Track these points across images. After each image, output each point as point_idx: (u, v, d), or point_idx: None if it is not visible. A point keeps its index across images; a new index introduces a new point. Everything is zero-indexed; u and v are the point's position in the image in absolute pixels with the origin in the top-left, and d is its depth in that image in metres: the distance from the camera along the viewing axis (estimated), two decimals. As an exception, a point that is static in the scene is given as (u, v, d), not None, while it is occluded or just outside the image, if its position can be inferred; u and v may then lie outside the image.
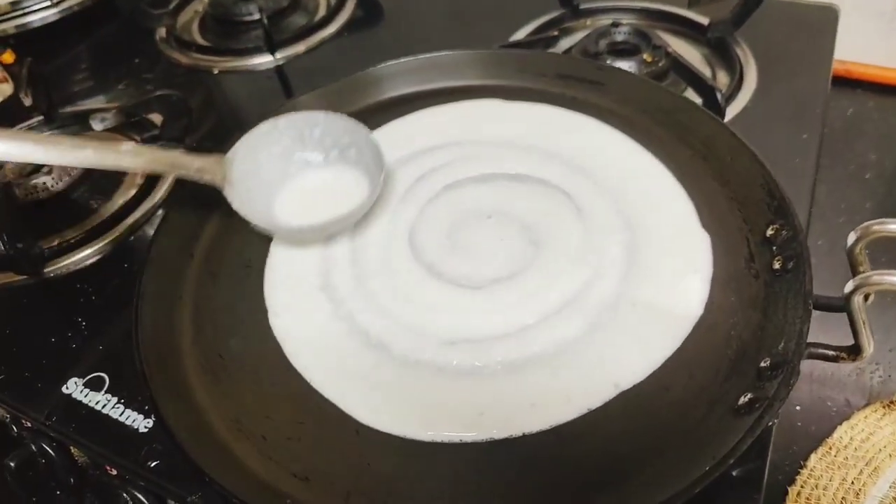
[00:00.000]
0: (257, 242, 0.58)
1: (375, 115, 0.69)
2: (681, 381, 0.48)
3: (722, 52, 0.87)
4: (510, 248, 0.56)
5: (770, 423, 0.43)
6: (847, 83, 1.10)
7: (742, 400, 0.45)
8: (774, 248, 0.54)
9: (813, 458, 0.73)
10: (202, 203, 0.61)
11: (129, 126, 0.79)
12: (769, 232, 0.55)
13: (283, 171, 0.60)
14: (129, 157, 0.53)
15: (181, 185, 0.62)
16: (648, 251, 0.55)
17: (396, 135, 0.66)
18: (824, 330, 0.49)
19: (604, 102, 0.68)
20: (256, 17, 0.94)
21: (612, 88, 0.69)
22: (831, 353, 0.47)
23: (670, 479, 0.41)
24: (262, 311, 0.53)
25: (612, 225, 0.57)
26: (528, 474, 0.44)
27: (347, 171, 0.60)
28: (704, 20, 0.90)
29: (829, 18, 0.89)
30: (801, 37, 0.87)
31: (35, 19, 0.95)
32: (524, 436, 0.45)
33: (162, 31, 0.98)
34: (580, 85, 0.70)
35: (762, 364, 0.47)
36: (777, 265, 0.53)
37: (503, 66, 0.71)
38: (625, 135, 0.65)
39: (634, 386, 0.47)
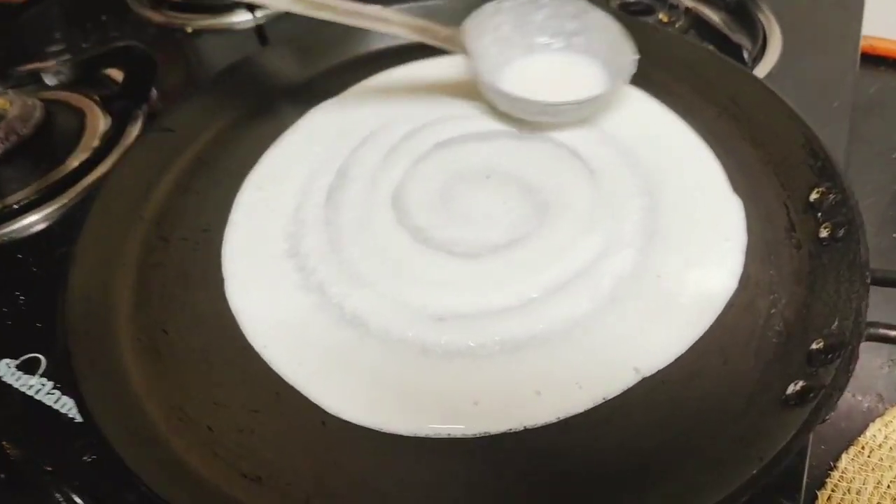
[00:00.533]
0: (218, 205, 0.50)
1: (357, 69, 0.61)
2: (713, 367, 0.40)
3: (742, 18, 0.79)
4: (511, 212, 0.48)
5: (826, 417, 0.35)
6: (870, 60, 1.02)
7: (791, 389, 0.37)
8: (820, 214, 0.46)
9: (844, 458, 0.66)
10: (157, 161, 0.53)
11: (88, 83, 0.70)
12: (813, 196, 0.47)
13: (507, 55, 0.56)
14: (378, 21, 0.51)
15: (140, 141, 0.55)
16: (672, 218, 0.47)
17: (378, 90, 0.58)
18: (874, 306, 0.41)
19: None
20: (237, -27, 0.85)
21: (637, 43, 0.61)
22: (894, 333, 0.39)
23: (708, 485, 0.33)
24: (217, 281, 0.45)
25: (630, 189, 0.49)
26: (531, 476, 0.36)
27: (577, 58, 0.56)
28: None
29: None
30: (826, 3, 0.80)
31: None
32: (526, 430, 0.37)
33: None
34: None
35: (813, 346, 0.39)
36: (825, 233, 0.45)
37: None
38: (642, 91, 0.57)
39: (658, 372, 0.40)
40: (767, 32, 0.76)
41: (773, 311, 0.42)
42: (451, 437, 0.37)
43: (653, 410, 0.38)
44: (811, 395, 0.36)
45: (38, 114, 0.67)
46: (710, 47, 0.62)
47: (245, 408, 0.39)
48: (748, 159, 0.52)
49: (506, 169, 0.51)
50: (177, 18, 0.85)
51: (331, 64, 0.62)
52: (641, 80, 0.57)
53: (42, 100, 0.66)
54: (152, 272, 0.46)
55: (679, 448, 0.36)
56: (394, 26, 0.52)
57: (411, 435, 0.37)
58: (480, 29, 0.54)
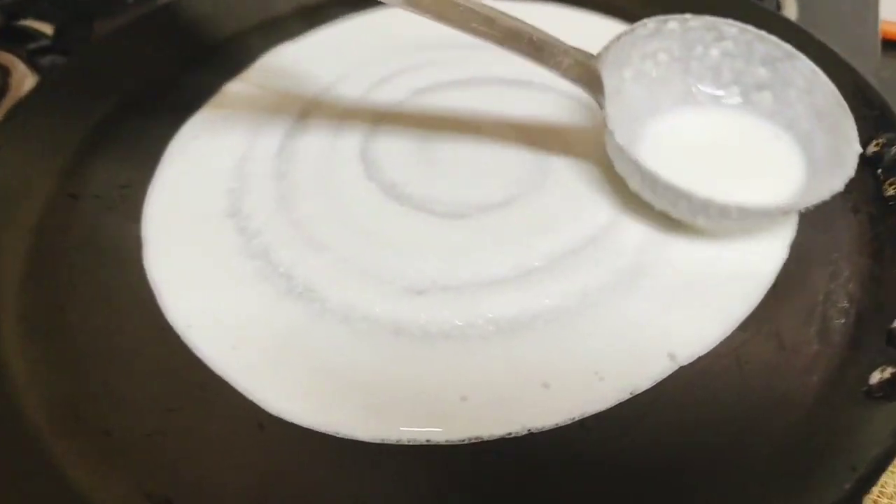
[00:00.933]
0: (144, 159, 0.40)
1: (316, 14, 0.51)
2: (766, 353, 0.31)
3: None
4: (508, 168, 0.39)
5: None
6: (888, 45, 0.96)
7: (877, 377, 0.28)
8: (881, 170, 0.38)
9: None
10: (71, 106, 0.43)
11: (10, 36, 0.60)
12: (871, 150, 0.39)
13: (655, 101, 0.39)
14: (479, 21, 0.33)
15: (49, 82, 0.45)
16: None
17: (343, 36, 0.49)
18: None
19: (622, 2, 0.52)
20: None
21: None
22: None
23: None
24: (135, 248, 0.35)
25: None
26: (535, 493, 0.27)
27: (761, 124, 0.38)
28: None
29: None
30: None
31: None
32: (530, 434, 0.28)
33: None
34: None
35: (894, 325, 0.30)
36: (891, 191, 0.36)
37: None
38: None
39: (698, 359, 0.31)
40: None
41: (832, 285, 0.34)
42: (430, 443, 0.28)
43: (692, 407, 0.29)
44: (907, 384, 0.27)
45: (-41, 70, 0.56)
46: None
47: (158, 406, 0.29)
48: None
49: (500, 118, 0.42)
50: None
51: (288, 6, 0.52)
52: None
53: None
54: (52, 236, 0.36)
55: (731, 452, 0.27)
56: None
57: (378, 441, 0.28)
58: (626, 54, 0.37)
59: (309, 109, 0.42)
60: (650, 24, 0.38)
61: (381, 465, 0.27)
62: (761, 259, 0.35)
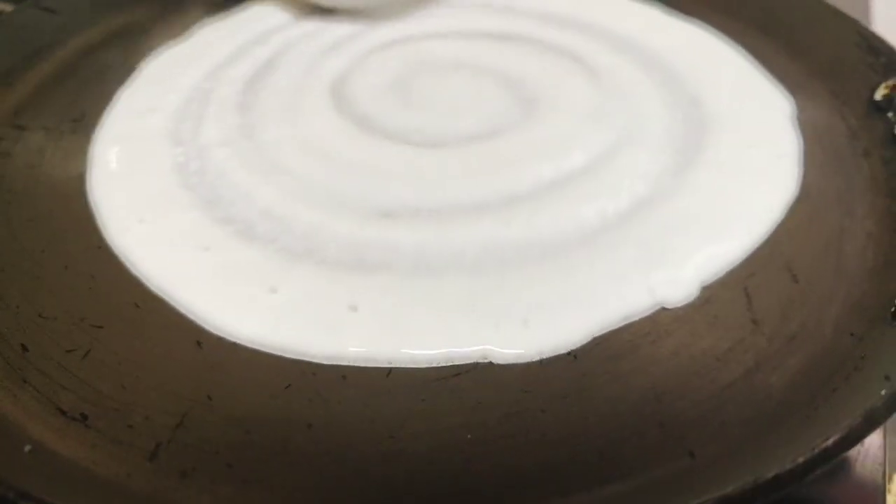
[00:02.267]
0: (101, 95, 0.37)
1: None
2: (777, 286, 0.28)
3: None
4: (488, 103, 0.36)
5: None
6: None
7: (904, 301, 0.25)
8: (891, 113, 0.35)
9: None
10: (29, 45, 0.40)
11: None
12: (879, 95, 0.36)
13: None
14: None
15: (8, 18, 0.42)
16: (707, 123, 0.36)
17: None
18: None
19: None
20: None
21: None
22: None
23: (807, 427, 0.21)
24: (79, 172, 0.32)
25: (647, 88, 0.38)
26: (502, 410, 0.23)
27: None
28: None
29: None
30: None
31: None
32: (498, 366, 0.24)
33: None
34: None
35: (921, 253, 0.27)
36: (904, 129, 0.34)
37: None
38: (653, 2, 0.46)
39: (705, 287, 0.27)
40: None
41: (847, 222, 0.31)
42: (392, 365, 0.24)
43: (691, 340, 0.26)
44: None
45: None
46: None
47: (84, 322, 0.26)
48: (788, 73, 0.41)
49: (482, 62, 0.39)
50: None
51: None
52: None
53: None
54: (-9, 163, 0.33)
55: (741, 387, 0.24)
56: None
57: (329, 363, 0.24)
58: None
59: (281, 52, 0.39)
60: None
61: (333, 386, 0.23)
62: (769, 195, 0.31)
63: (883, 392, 0.20)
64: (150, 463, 0.21)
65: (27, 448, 0.21)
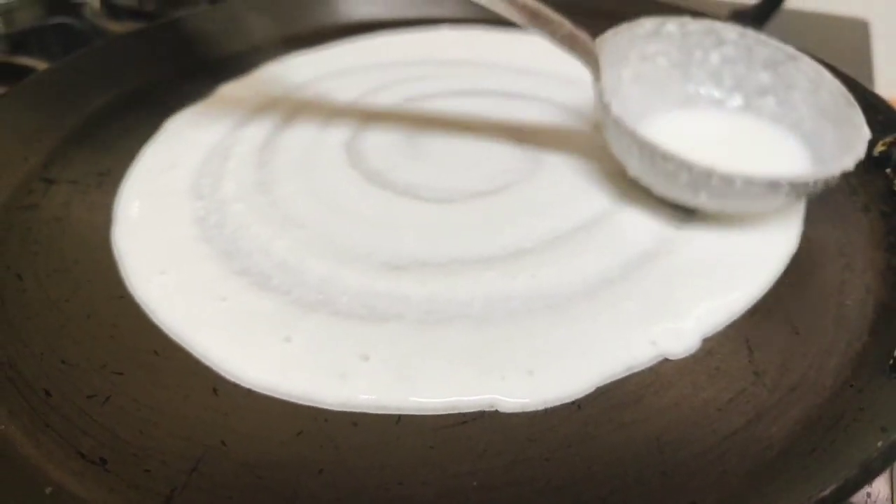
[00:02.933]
0: (128, 150, 0.39)
1: (319, 40, 0.52)
2: (778, 338, 0.28)
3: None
4: (497, 159, 0.37)
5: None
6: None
7: (902, 351, 0.26)
8: (889, 169, 0.36)
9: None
10: (59, 102, 0.42)
11: (13, 74, 0.61)
12: (878, 151, 0.37)
13: (653, 102, 0.37)
14: None
15: (43, 75, 0.44)
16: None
17: (345, 51, 0.49)
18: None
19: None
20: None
21: (630, 18, 0.53)
22: None
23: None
24: (104, 225, 0.34)
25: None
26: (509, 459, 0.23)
27: (764, 127, 0.36)
28: (722, 14, 0.76)
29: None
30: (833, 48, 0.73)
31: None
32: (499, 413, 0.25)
33: (95, 3, 0.83)
34: (589, 18, 0.54)
35: (919, 306, 0.28)
36: (902, 185, 0.35)
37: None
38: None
39: (703, 342, 0.28)
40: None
41: (847, 276, 0.32)
42: (400, 412, 0.25)
43: (694, 390, 0.26)
44: (935, 354, 0.24)
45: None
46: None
47: (105, 369, 0.27)
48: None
49: (490, 120, 0.41)
50: (136, 27, 0.77)
51: (293, 29, 0.53)
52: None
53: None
54: (20, 214, 0.35)
55: (742, 438, 0.24)
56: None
57: (338, 409, 0.25)
58: (623, 53, 0.36)
59: (298, 109, 0.41)
60: (647, 24, 0.37)
61: (341, 431, 0.24)
62: (770, 248, 0.32)
63: (879, 444, 0.21)
64: (166, 507, 0.22)
65: (48, 490, 0.22)
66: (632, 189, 0.35)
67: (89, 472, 0.23)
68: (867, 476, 0.20)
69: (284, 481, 0.22)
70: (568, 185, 0.35)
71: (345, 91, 0.44)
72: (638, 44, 0.37)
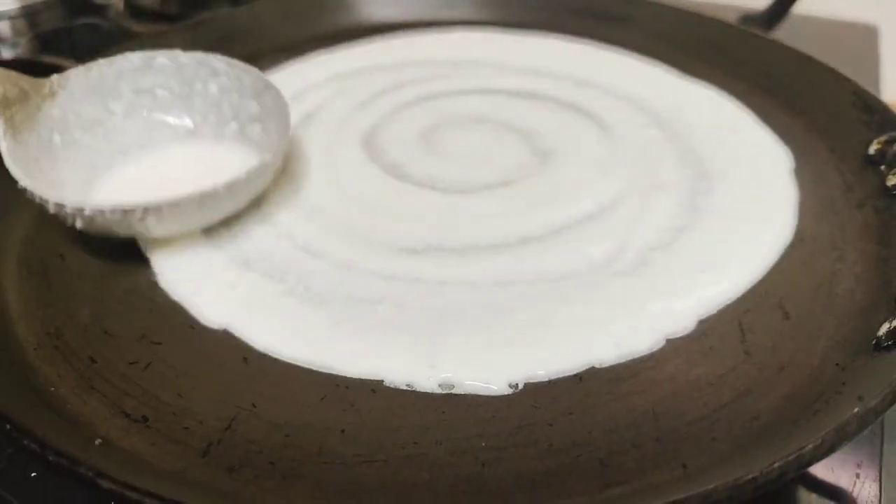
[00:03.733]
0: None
1: (338, 41, 0.54)
2: (770, 322, 0.30)
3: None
4: (507, 154, 0.40)
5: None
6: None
7: (884, 328, 0.27)
8: (884, 166, 0.38)
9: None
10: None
11: (39, 72, 0.64)
12: (873, 149, 0.39)
13: (150, 133, 0.38)
14: None
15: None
16: (711, 173, 0.39)
17: (354, 54, 0.51)
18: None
19: (631, 38, 0.54)
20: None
21: (641, 22, 0.55)
22: None
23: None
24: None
25: (654, 141, 0.41)
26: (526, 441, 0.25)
27: (241, 154, 0.37)
28: (731, 19, 0.78)
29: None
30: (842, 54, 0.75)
31: None
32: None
33: (119, 5, 0.86)
34: (600, 21, 0.56)
35: (904, 290, 0.30)
36: (894, 180, 0.36)
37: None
38: (662, 65, 0.50)
39: (701, 321, 0.30)
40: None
41: (838, 267, 0.33)
42: (409, 388, 0.27)
43: (688, 368, 0.28)
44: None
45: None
46: (735, 25, 0.56)
47: (145, 339, 0.29)
48: (788, 130, 0.44)
49: (501, 117, 0.43)
50: (156, 29, 0.80)
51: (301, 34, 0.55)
52: (659, 57, 0.51)
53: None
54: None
55: (731, 411, 0.26)
56: None
57: (359, 377, 0.27)
58: (110, 86, 0.37)
59: (318, 109, 0.44)
60: (135, 58, 0.38)
61: (363, 399, 0.26)
62: (766, 239, 0.34)
63: (856, 410, 0.22)
64: (203, 459, 0.24)
65: (97, 442, 0.24)
66: (633, 182, 0.37)
67: (133, 429, 0.25)
68: (842, 438, 0.22)
69: (310, 439, 0.25)
70: (573, 179, 0.37)
71: (363, 89, 0.46)
72: (128, 77, 0.38)
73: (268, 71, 0.49)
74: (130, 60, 0.38)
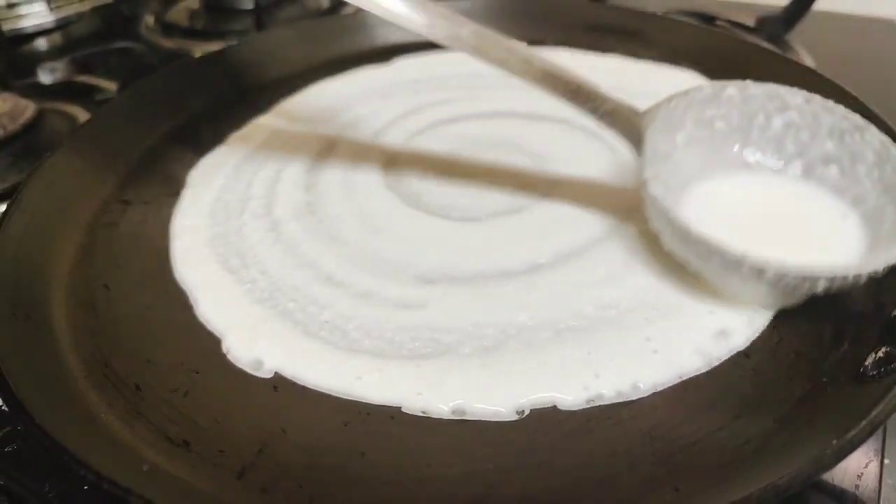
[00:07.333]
0: (189, 168, 0.45)
1: (363, 60, 0.57)
2: (764, 346, 0.32)
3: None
4: (520, 180, 0.42)
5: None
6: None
7: (871, 359, 0.29)
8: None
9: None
10: (138, 119, 0.48)
11: (77, 92, 0.67)
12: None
13: (703, 167, 0.36)
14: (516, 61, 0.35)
15: (110, 105, 0.50)
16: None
17: (373, 77, 0.54)
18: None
19: (645, 53, 0.56)
20: (250, 6, 0.86)
21: (656, 36, 0.57)
22: None
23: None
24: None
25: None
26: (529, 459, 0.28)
27: (821, 196, 0.35)
28: (749, 19, 0.79)
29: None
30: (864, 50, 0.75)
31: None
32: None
33: (150, 20, 0.90)
34: (615, 36, 0.58)
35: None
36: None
37: (518, 14, 0.59)
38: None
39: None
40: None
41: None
42: (424, 415, 0.29)
43: (692, 392, 0.30)
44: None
45: (28, 113, 0.63)
46: (752, 41, 0.57)
47: (183, 367, 0.32)
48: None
49: (515, 143, 0.45)
50: (187, 44, 0.83)
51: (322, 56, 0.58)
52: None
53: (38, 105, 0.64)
54: (102, 231, 0.40)
55: (721, 438, 0.28)
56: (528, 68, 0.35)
57: (380, 403, 0.30)
58: (679, 118, 0.36)
59: (339, 132, 0.46)
60: (707, 88, 0.36)
61: (385, 425, 0.29)
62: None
63: (834, 442, 0.24)
64: (239, 481, 0.27)
65: (145, 468, 0.27)
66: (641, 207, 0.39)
67: (176, 453, 0.28)
68: (818, 469, 0.24)
69: (334, 462, 0.27)
70: (582, 204, 0.39)
71: (379, 116, 0.48)
72: (695, 108, 0.36)
73: (287, 97, 0.51)
74: (703, 91, 0.36)
